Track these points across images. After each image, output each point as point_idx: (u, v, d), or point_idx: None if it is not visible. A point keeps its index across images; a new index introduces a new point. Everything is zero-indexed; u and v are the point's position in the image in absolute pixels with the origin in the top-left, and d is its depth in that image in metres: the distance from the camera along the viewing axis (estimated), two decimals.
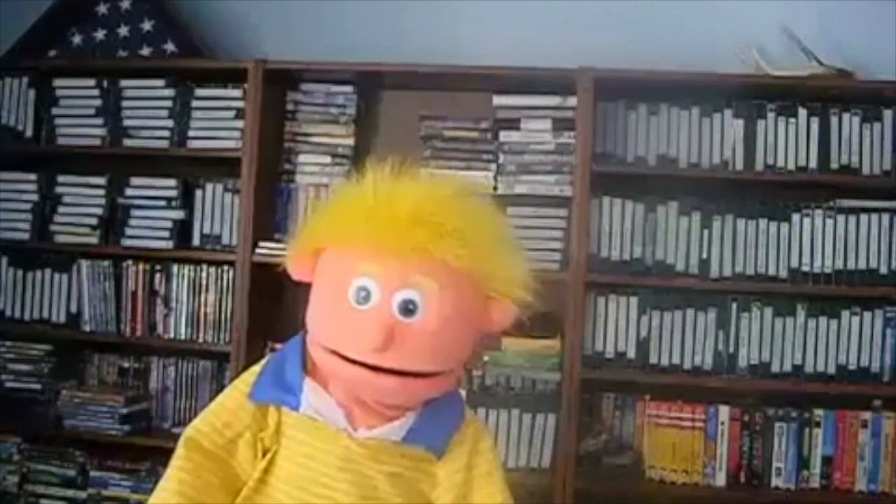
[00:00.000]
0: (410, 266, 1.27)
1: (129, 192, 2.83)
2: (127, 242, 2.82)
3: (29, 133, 2.87)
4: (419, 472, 1.37)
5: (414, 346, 1.27)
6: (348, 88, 2.77)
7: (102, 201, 2.84)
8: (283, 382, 1.37)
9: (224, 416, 1.41)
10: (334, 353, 1.29)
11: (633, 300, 2.64)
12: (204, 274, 2.80)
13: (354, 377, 1.28)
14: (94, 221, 2.84)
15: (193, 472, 1.36)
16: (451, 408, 1.41)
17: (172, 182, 2.81)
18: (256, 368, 1.43)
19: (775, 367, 2.59)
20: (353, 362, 1.27)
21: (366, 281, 1.27)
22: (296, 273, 1.38)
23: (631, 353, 2.63)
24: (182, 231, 2.80)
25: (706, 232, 2.62)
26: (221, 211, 2.79)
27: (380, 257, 1.27)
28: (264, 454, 1.38)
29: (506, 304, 1.34)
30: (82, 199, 2.86)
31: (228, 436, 1.39)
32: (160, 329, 2.82)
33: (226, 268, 2.77)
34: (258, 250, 2.66)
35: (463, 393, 2.57)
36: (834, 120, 2.59)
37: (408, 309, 1.27)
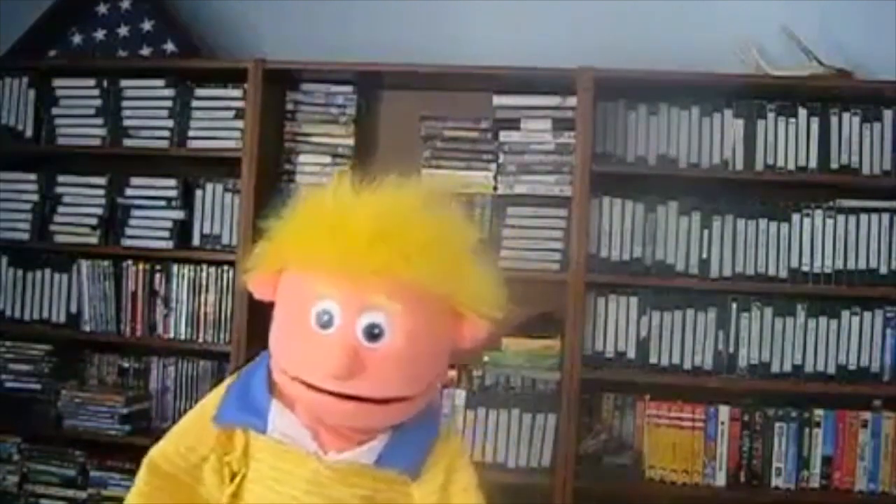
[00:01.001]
0: (373, 287, 1.20)
1: (129, 192, 2.83)
2: (127, 242, 2.82)
3: (29, 133, 2.87)
4: (394, 493, 1.32)
5: (380, 372, 1.21)
6: (348, 88, 2.77)
7: (102, 201, 2.84)
8: (248, 404, 1.31)
9: (187, 439, 1.36)
10: (296, 379, 1.23)
11: (633, 300, 2.63)
12: (204, 274, 2.80)
13: (317, 404, 1.23)
14: (94, 221, 2.84)
15: (148, 494, 1.33)
16: (424, 428, 1.34)
17: (172, 182, 2.81)
18: (221, 389, 1.38)
19: (775, 367, 2.59)
20: (316, 389, 1.21)
21: (328, 304, 1.22)
22: (257, 292, 1.33)
23: (631, 353, 2.63)
24: (182, 231, 2.80)
25: (706, 232, 2.62)
26: (221, 211, 2.79)
27: (341, 279, 1.21)
28: (232, 478, 1.33)
29: (476, 321, 1.28)
30: (82, 199, 2.86)
31: (192, 460, 1.35)
32: (160, 329, 2.82)
33: (226, 268, 2.77)
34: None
35: (462, 393, 2.60)
36: (834, 120, 2.59)
37: (373, 333, 1.21)
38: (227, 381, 1.39)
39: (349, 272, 1.20)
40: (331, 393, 1.21)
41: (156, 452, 1.37)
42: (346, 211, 1.24)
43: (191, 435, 1.37)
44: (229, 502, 1.33)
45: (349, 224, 1.21)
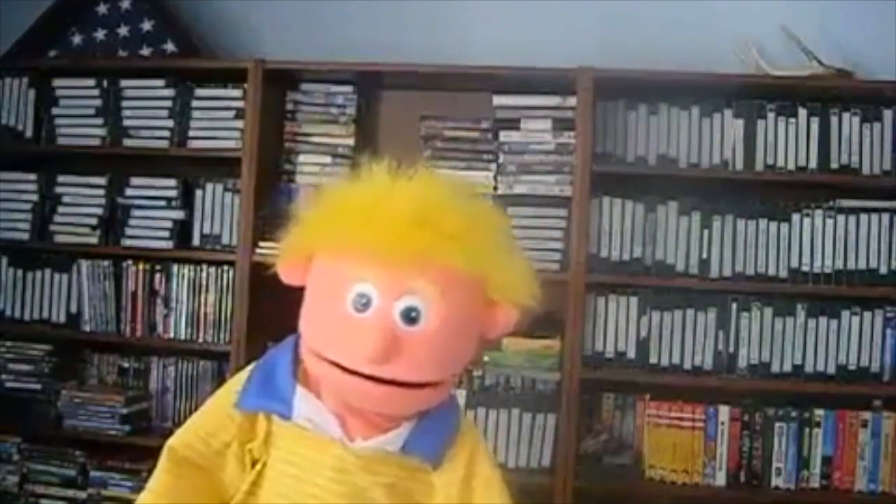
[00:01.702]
0: (412, 271, 1.20)
1: (129, 192, 2.83)
2: (127, 242, 2.82)
3: (29, 133, 2.87)
4: (415, 482, 1.33)
5: (415, 355, 1.21)
6: (348, 88, 2.77)
7: (102, 201, 2.84)
8: (272, 390, 1.31)
9: (208, 425, 1.36)
10: (329, 361, 1.23)
11: (633, 300, 2.63)
12: (204, 274, 2.80)
13: (349, 387, 1.23)
14: (94, 221, 2.84)
15: (169, 483, 1.34)
16: (447, 416, 1.35)
17: (172, 182, 2.81)
18: (243, 375, 1.37)
19: (775, 367, 2.59)
20: (350, 371, 1.21)
21: (365, 287, 1.21)
22: (287, 277, 1.31)
23: (631, 353, 2.63)
24: (182, 231, 2.80)
25: (706, 232, 2.62)
26: (221, 211, 2.79)
27: (380, 262, 1.20)
28: (253, 465, 1.34)
29: (508, 308, 1.28)
30: (82, 199, 2.86)
31: (214, 446, 1.35)
32: (160, 329, 2.82)
33: (226, 268, 2.77)
34: (258, 250, 2.66)
35: (462, 393, 2.60)
36: (834, 120, 2.59)
37: (410, 317, 1.20)
38: (250, 367, 1.38)
39: (388, 256, 1.20)
40: (365, 376, 1.20)
41: (175, 440, 1.37)
42: (383, 196, 1.23)
43: (212, 421, 1.37)
44: (249, 490, 1.33)
45: (388, 209, 1.21)
